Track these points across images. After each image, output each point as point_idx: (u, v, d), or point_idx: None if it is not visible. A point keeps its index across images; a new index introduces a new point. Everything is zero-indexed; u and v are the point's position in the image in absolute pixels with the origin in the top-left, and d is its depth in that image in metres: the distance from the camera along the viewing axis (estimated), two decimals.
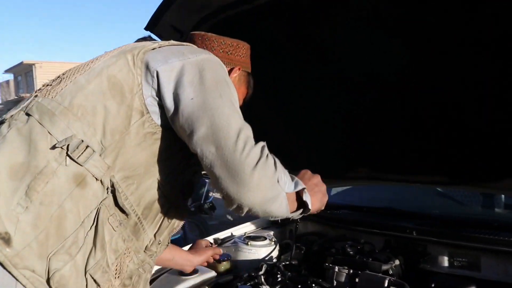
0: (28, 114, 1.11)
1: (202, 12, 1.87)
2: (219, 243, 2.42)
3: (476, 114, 1.75)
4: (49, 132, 1.06)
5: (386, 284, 1.67)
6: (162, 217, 1.25)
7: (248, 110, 2.23)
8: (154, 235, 1.24)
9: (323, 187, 1.38)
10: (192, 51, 1.24)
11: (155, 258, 1.30)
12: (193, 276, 2.00)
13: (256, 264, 2.07)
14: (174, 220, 1.31)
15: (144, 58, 1.18)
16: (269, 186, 1.09)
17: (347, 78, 1.95)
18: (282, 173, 1.17)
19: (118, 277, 1.13)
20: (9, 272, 0.98)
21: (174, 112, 1.13)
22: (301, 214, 1.27)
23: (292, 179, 1.23)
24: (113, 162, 1.10)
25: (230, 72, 1.42)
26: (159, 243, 1.27)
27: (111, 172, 1.10)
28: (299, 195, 1.23)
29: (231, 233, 2.54)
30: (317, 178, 1.39)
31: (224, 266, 2.15)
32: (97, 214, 1.08)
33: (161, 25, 2.01)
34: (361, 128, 2.11)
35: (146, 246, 1.23)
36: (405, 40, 1.69)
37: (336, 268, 1.84)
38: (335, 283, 1.83)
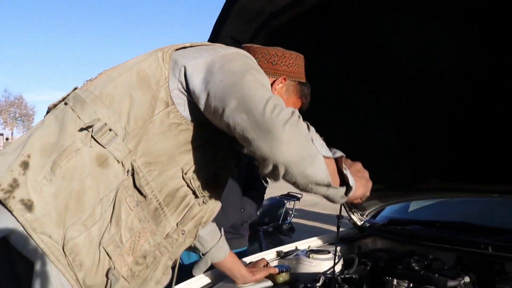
0: (66, 104, 1.23)
1: (257, 21, 1.91)
2: (282, 256, 2.38)
3: None
4: (78, 117, 1.18)
5: None
6: (187, 208, 1.29)
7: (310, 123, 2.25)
8: (177, 224, 1.29)
9: (366, 173, 1.33)
10: (224, 47, 1.29)
11: (178, 246, 1.34)
12: (248, 285, 2.00)
13: (316, 276, 1.99)
14: (201, 213, 1.34)
15: (173, 54, 1.25)
16: (303, 143, 1.06)
17: (408, 81, 1.85)
18: (317, 137, 1.13)
19: (131, 254, 1.19)
20: (30, 236, 1.07)
21: (207, 98, 1.16)
22: (346, 194, 1.19)
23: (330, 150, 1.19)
24: (135, 147, 1.18)
25: (274, 82, 1.43)
26: (182, 233, 1.31)
27: (132, 156, 1.18)
28: (338, 168, 1.18)
29: (296, 247, 2.49)
30: (359, 165, 1.34)
31: (282, 277, 2.11)
32: (116, 193, 1.16)
33: (222, 37, 2.08)
34: (428, 135, 1.97)
35: (167, 233, 1.27)
36: (470, 33, 1.56)
37: (395, 281, 1.70)
38: None
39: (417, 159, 2.07)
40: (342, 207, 2.68)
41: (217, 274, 2.08)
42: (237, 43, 2.12)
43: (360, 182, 1.26)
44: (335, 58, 1.91)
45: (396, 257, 2.08)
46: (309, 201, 8.75)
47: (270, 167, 1.07)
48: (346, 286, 1.86)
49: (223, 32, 2.04)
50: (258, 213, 4.68)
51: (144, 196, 1.20)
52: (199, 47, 1.30)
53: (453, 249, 1.93)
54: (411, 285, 1.66)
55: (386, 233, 2.36)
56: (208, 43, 1.37)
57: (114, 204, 1.16)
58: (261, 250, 4.33)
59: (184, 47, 1.30)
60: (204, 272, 2.10)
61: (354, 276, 1.99)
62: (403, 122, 1.97)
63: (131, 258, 1.20)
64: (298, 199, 4.86)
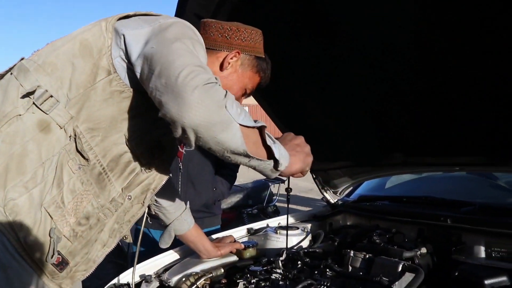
0: (11, 74, 1.25)
1: None
2: (252, 232, 2.40)
3: None
4: (21, 85, 1.20)
5: (400, 269, 1.52)
6: (132, 173, 1.31)
7: (289, 100, 2.24)
8: (122, 189, 1.31)
9: (307, 147, 1.33)
10: (166, 17, 1.29)
11: (124, 211, 1.36)
12: (213, 259, 2.01)
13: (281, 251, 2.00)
14: (148, 180, 1.36)
15: (116, 23, 1.26)
16: (213, 108, 1.05)
17: (371, 56, 1.82)
18: (237, 106, 1.11)
19: (73, 215, 1.22)
20: None
21: (141, 65, 1.17)
22: (275, 168, 1.20)
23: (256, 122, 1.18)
24: (77, 113, 1.21)
25: (227, 56, 1.43)
26: (128, 198, 1.33)
27: (75, 122, 1.20)
28: (263, 139, 1.17)
29: (267, 224, 2.50)
30: (300, 139, 1.34)
31: (249, 252, 2.12)
32: (58, 157, 1.19)
33: (187, 15, 2.07)
34: (393, 111, 1.96)
35: (113, 197, 1.30)
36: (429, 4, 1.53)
37: (352, 253, 1.72)
38: (350, 268, 1.70)
39: (383, 134, 2.07)
40: (316, 185, 2.71)
41: (186, 250, 2.10)
42: (200, 20, 2.11)
43: (298, 157, 1.26)
44: (297, 33, 1.89)
45: (362, 232, 2.10)
46: (303, 187, 8.77)
47: (179, 131, 1.06)
48: (307, 259, 1.86)
49: (187, 9, 2.03)
50: (242, 196, 4.74)
51: (87, 160, 1.22)
52: (143, 18, 1.30)
53: (415, 222, 1.94)
54: (367, 256, 1.67)
55: (355, 210, 2.38)
56: (153, 13, 1.36)
57: (56, 168, 1.18)
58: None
59: (128, 16, 1.31)
60: (173, 248, 2.12)
61: (317, 250, 2.00)
62: (368, 98, 1.95)
63: (73, 219, 1.22)
64: (283, 181, 4.86)
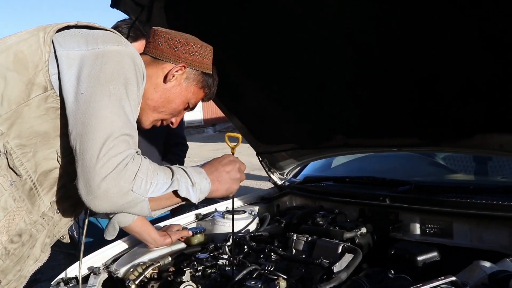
0: None
1: None
2: (200, 218, 2.41)
3: (445, 69, 1.59)
4: None
5: (339, 250, 1.58)
6: (62, 188, 1.28)
7: (232, 83, 2.23)
8: (50, 203, 1.28)
9: (236, 175, 1.38)
10: (106, 40, 1.22)
11: (54, 224, 1.33)
12: (160, 248, 2.01)
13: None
14: (77, 194, 1.31)
15: (55, 36, 1.19)
16: (119, 196, 1.09)
17: (315, 39, 1.83)
18: (151, 177, 1.16)
19: (5, 233, 1.17)
20: None
21: (67, 100, 1.15)
22: (186, 201, 1.27)
23: (188, 173, 1.26)
24: (8, 129, 1.15)
25: (172, 68, 1.40)
26: (57, 211, 1.30)
27: (5, 138, 1.15)
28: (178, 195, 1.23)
29: (215, 209, 2.52)
30: (232, 166, 1.38)
31: (197, 239, 2.13)
32: None
33: (124, 1, 1.99)
34: (332, 94, 1.99)
35: (43, 212, 1.26)
36: None
37: (295, 236, 1.76)
38: (293, 251, 1.75)
39: (324, 117, 2.10)
40: (263, 167, 2.75)
41: (134, 240, 2.08)
42: (138, 6, 2.04)
43: (221, 184, 1.33)
44: (237, 14, 1.87)
45: (307, 214, 2.15)
46: (256, 165, 8.80)
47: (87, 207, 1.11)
48: (253, 244, 1.90)
49: None
50: None
51: (19, 176, 1.18)
52: (83, 33, 1.24)
53: (356, 203, 2.01)
54: (309, 238, 1.72)
55: (301, 191, 2.43)
56: (97, 25, 1.30)
57: None
58: None
59: (68, 27, 1.24)
60: (121, 238, 2.09)
61: (263, 234, 2.04)
62: (308, 81, 1.97)
63: (5, 237, 1.18)
64: None
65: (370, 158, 2.77)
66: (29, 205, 1.22)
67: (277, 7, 1.72)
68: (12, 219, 1.18)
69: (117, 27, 2.28)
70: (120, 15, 2.15)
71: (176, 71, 1.41)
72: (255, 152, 2.66)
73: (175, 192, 1.21)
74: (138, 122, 1.49)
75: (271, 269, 1.61)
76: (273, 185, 2.75)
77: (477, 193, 1.71)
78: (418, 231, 1.79)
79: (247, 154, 2.66)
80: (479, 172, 2.17)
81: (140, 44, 2.26)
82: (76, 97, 1.12)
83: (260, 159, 2.66)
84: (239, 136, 1.65)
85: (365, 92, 1.86)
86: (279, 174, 2.71)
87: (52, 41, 1.18)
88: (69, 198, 1.31)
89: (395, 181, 2.03)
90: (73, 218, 1.41)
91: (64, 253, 3.83)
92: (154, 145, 2.59)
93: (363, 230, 1.79)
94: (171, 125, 1.57)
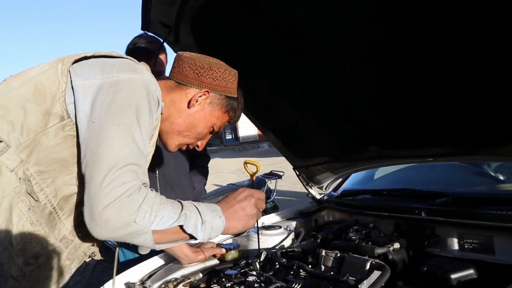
0: None
1: (176, 2, 1.87)
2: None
3: (481, 77, 1.50)
4: None
5: (367, 267, 1.51)
6: (81, 213, 1.28)
7: (263, 99, 2.24)
8: (72, 227, 1.32)
9: (252, 211, 1.37)
10: (122, 69, 1.25)
11: (75, 247, 1.37)
12: (193, 264, 2.02)
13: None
14: None
15: (72, 66, 1.25)
16: (120, 226, 1.10)
17: (338, 54, 1.80)
18: (156, 209, 1.15)
19: (22, 255, 1.21)
20: None
21: (81, 129, 1.19)
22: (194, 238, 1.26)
23: (199, 210, 1.25)
24: (27, 156, 1.19)
25: (196, 94, 1.42)
26: (79, 235, 1.34)
27: (25, 165, 1.19)
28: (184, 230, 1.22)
29: None
30: (248, 202, 1.37)
31: (231, 255, 2.13)
32: (8, 199, 1.18)
33: (153, 23, 2.06)
34: (362, 104, 1.94)
35: (63, 235, 1.30)
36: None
37: (323, 252, 1.71)
38: (322, 268, 1.70)
39: (355, 129, 2.05)
40: (301, 182, 2.70)
41: (170, 256, 2.11)
42: (165, 27, 2.10)
43: (237, 221, 1.33)
44: (259, 33, 1.87)
45: (342, 228, 2.09)
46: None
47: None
48: (284, 260, 1.86)
49: (152, 18, 2.02)
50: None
51: (37, 201, 1.22)
52: (100, 62, 1.28)
53: (392, 217, 1.93)
54: (338, 255, 1.66)
55: (338, 205, 2.36)
56: (113, 54, 1.34)
57: (5, 209, 1.18)
58: None
59: (85, 57, 1.29)
60: (157, 255, 2.13)
61: (296, 250, 2.00)
62: (335, 94, 1.94)
63: (21, 259, 1.21)
64: (280, 177, 4.86)
65: (412, 169, 2.66)
66: (47, 229, 1.26)
67: (302, 21, 1.71)
68: (29, 242, 1.22)
69: (135, 43, 2.37)
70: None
71: (200, 96, 1.43)
72: (292, 167, 2.63)
73: (182, 228, 1.20)
74: (164, 145, 1.53)
75: (298, 287, 1.57)
76: (312, 200, 2.70)
77: None
78: (456, 247, 1.67)
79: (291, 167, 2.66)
80: None
81: (163, 57, 2.34)
82: (88, 126, 1.16)
83: (297, 173, 2.63)
84: (257, 164, 1.66)
85: (396, 102, 1.79)
86: (318, 188, 2.66)
87: (69, 72, 1.23)
88: None
89: (432, 193, 1.92)
90: (95, 241, 1.44)
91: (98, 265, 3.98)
92: (181, 160, 2.64)
93: (396, 245, 1.70)
94: (196, 148, 1.58)
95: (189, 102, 1.43)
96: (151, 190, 1.18)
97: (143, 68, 1.32)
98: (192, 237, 1.23)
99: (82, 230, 1.33)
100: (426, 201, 1.90)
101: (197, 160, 2.75)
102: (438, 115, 1.69)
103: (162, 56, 2.33)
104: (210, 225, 1.25)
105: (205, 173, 2.78)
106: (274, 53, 1.92)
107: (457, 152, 1.69)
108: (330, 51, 1.73)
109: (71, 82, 1.22)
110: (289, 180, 8.53)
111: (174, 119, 1.43)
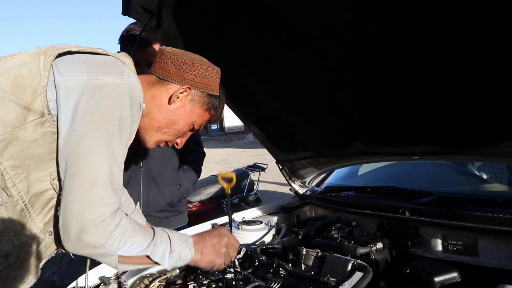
0: None
1: None
2: (216, 228, 2.33)
3: (471, 75, 1.45)
4: None
5: (349, 268, 1.46)
6: (52, 210, 1.25)
7: (247, 90, 2.17)
8: (43, 224, 1.25)
9: (221, 249, 1.41)
10: (108, 71, 1.21)
11: (46, 247, 1.30)
12: None
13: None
14: None
15: (54, 61, 1.18)
16: (89, 246, 1.13)
17: (330, 42, 1.73)
18: (127, 237, 1.18)
19: None
20: None
21: (61, 132, 1.15)
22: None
23: (171, 238, 1.28)
24: (2, 151, 1.13)
25: (177, 90, 1.38)
26: (49, 234, 1.28)
27: None
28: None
29: (233, 218, 2.44)
30: (219, 239, 1.42)
31: None
32: None
33: (134, 8, 1.97)
34: (349, 99, 1.88)
35: (34, 233, 1.24)
36: None
37: (304, 251, 1.66)
38: (303, 267, 1.64)
39: (341, 124, 1.99)
40: (283, 176, 2.65)
41: None
42: (148, 13, 2.01)
43: (207, 257, 1.37)
44: (247, 23, 1.80)
45: (324, 225, 2.04)
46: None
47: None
48: (264, 257, 1.80)
49: (133, 2, 1.92)
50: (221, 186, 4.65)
51: (10, 197, 1.16)
52: (85, 60, 1.23)
53: (375, 215, 1.88)
54: (319, 254, 1.61)
55: (320, 201, 2.31)
56: (99, 51, 1.28)
57: None
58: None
59: (70, 52, 1.22)
60: None
61: (276, 246, 1.94)
62: (321, 88, 1.87)
63: None
64: (263, 169, 4.81)
65: (397, 166, 2.62)
66: (18, 227, 1.19)
67: (289, 11, 1.64)
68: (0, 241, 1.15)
69: (129, 30, 2.27)
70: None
71: (181, 93, 1.38)
72: (275, 160, 2.57)
73: (149, 256, 1.23)
74: (142, 141, 1.47)
75: (277, 286, 1.51)
76: (294, 194, 2.65)
77: (506, 206, 1.54)
78: (439, 248, 1.64)
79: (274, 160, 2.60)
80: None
81: (157, 47, 2.24)
82: (69, 132, 1.13)
83: (280, 167, 2.57)
84: (233, 175, 1.65)
85: (383, 98, 1.73)
86: (300, 182, 2.61)
87: (52, 67, 1.17)
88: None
89: (417, 192, 1.88)
90: None
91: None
92: (170, 155, 2.54)
93: (379, 245, 1.66)
94: (176, 145, 1.54)
95: (170, 98, 1.38)
96: (125, 216, 1.19)
97: (129, 71, 1.26)
98: (157, 263, 1.25)
99: (53, 229, 1.27)
100: (410, 200, 1.86)
101: (189, 156, 2.65)
102: (426, 113, 1.64)
103: (156, 46, 2.23)
104: (178, 254, 1.28)
105: (196, 170, 2.67)
106: (260, 43, 1.85)
107: (444, 151, 1.64)
108: (318, 42, 1.66)
109: (54, 80, 1.16)
110: (273, 172, 8.53)
111: (154, 115, 1.38)
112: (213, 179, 4.57)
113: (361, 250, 1.62)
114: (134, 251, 1.19)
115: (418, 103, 1.63)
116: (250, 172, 4.72)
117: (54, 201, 1.25)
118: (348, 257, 1.53)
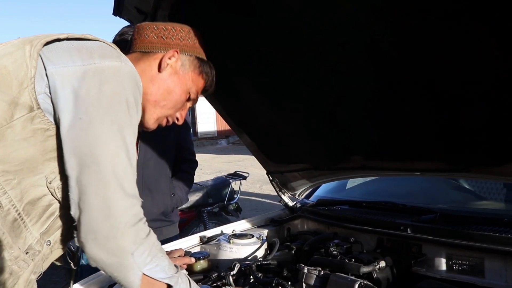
0: None
1: None
2: (205, 241, 2.24)
3: (477, 89, 1.42)
4: None
5: None
6: (51, 217, 1.14)
7: (241, 97, 2.09)
8: (40, 234, 1.14)
9: None
10: (103, 55, 1.11)
11: (43, 258, 1.18)
12: None
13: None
14: (70, 223, 1.16)
15: (42, 51, 1.07)
16: (117, 251, 1.03)
17: (332, 52, 1.67)
18: (154, 253, 1.10)
19: None
20: None
21: (63, 124, 1.05)
22: None
23: (191, 283, 1.21)
24: None
25: (164, 56, 1.31)
26: (47, 244, 1.16)
27: None
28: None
29: (221, 231, 2.35)
30: None
31: (200, 265, 1.97)
32: None
33: (126, 9, 1.88)
34: (350, 111, 1.83)
35: (29, 245, 1.12)
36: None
37: (305, 269, 1.58)
38: (304, 286, 1.57)
39: (340, 137, 1.94)
40: (273, 187, 2.58)
41: None
42: (142, 14, 1.92)
43: None
44: (246, 30, 1.73)
45: (319, 240, 1.98)
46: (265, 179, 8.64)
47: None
48: (260, 274, 1.72)
49: (126, 2, 1.83)
50: (202, 194, 4.57)
51: (0, 207, 1.04)
52: (76, 45, 1.12)
53: (374, 231, 1.83)
54: (322, 272, 1.54)
55: (313, 215, 2.25)
56: (88, 37, 1.18)
57: None
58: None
59: (58, 39, 1.11)
60: None
61: (271, 263, 1.86)
62: (323, 100, 1.82)
63: None
64: (245, 178, 4.72)
65: (387, 180, 2.59)
66: (9, 239, 1.07)
67: (289, 15, 1.57)
68: None
69: (123, 33, 2.16)
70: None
71: (169, 58, 1.31)
72: (265, 171, 2.50)
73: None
74: (143, 123, 1.36)
75: None
76: (284, 206, 2.58)
77: None
78: (444, 267, 1.60)
79: (260, 167, 2.52)
80: (510, 199, 1.97)
81: None
82: (73, 122, 1.03)
83: (271, 178, 2.50)
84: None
85: (387, 110, 1.69)
86: (290, 194, 2.54)
87: (40, 56, 1.06)
88: (59, 228, 1.18)
89: (417, 208, 1.85)
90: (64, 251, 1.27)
91: (65, 269, 3.71)
92: (164, 163, 2.45)
93: (382, 264, 1.60)
94: (176, 121, 1.45)
95: (159, 66, 1.30)
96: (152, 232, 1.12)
97: (126, 57, 1.17)
98: None
99: (51, 238, 1.16)
100: (410, 217, 1.82)
101: (182, 165, 2.57)
102: (432, 127, 1.60)
103: None
104: None
105: (189, 179, 2.60)
106: (260, 50, 1.78)
107: (450, 169, 1.61)
108: (323, 53, 1.61)
109: (45, 69, 1.05)
110: (249, 180, 8.47)
111: (148, 89, 1.29)
112: (193, 187, 4.46)
113: (365, 269, 1.56)
114: (157, 275, 1.09)
115: (424, 116, 1.60)
116: (231, 181, 4.64)
117: (52, 208, 1.14)
118: (352, 277, 1.47)
